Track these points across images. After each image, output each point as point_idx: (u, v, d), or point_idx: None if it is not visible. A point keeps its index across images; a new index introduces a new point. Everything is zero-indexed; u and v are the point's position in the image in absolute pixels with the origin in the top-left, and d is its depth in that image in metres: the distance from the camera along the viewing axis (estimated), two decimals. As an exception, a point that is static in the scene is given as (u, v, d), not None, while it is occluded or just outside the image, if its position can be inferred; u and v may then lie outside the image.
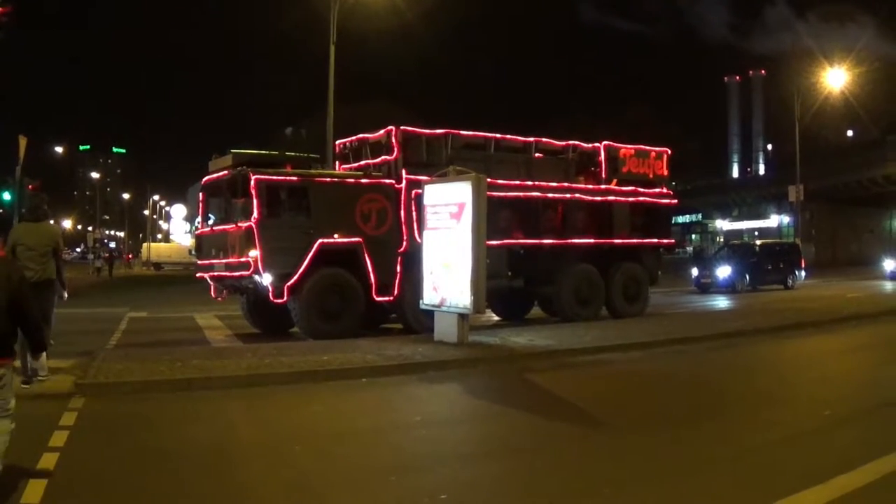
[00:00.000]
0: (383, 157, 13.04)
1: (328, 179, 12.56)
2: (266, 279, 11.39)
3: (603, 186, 14.78)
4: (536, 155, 14.30)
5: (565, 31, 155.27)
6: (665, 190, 15.88)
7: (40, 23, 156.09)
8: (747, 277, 25.01)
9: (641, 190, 15.21)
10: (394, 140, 12.75)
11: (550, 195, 13.93)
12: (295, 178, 11.99)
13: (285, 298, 11.56)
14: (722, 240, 63.52)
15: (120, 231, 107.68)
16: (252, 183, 11.39)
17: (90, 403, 7.04)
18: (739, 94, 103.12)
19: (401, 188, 12.49)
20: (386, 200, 12.45)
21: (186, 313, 17.08)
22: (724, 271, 24.85)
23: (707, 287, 24.85)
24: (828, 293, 22.50)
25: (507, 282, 13.42)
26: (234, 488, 4.73)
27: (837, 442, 5.74)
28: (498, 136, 13.78)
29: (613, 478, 4.88)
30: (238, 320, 14.10)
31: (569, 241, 14.14)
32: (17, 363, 5.54)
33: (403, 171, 12.53)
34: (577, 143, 14.93)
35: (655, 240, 15.56)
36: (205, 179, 13.16)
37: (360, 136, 13.89)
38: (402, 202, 12.46)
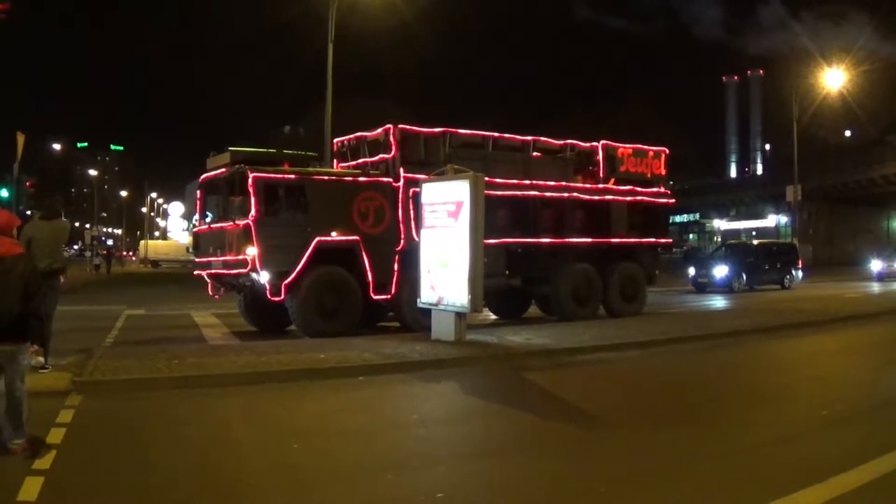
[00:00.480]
0: (381, 156, 13.05)
1: (326, 177, 12.54)
2: (263, 277, 11.38)
3: (601, 186, 14.78)
4: (534, 154, 14.30)
5: (564, 30, 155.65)
6: (663, 189, 15.92)
7: (40, 21, 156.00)
8: (744, 277, 25.04)
9: (639, 189, 15.22)
10: (392, 138, 12.75)
11: (548, 194, 13.93)
12: (293, 176, 11.98)
13: (282, 296, 11.54)
14: (719, 239, 63.60)
15: (118, 228, 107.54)
16: (250, 181, 11.38)
17: (87, 401, 7.04)
18: (738, 94, 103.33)
19: (398, 186, 12.49)
20: (384, 199, 12.45)
21: (184, 311, 17.10)
22: (721, 271, 24.87)
23: (704, 287, 24.86)
24: (825, 293, 22.51)
25: (504, 281, 13.42)
26: (231, 486, 4.72)
27: (834, 441, 5.74)
28: (496, 134, 13.79)
29: (610, 476, 4.88)
30: (235, 318, 14.08)
31: (566, 240, 14.14)
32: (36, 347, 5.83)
33: (401, 170, 12.53)
34: (575, 142, 14.94)
35: (653, 239, 15.58)
36: (202, 177, 13.16)
37: (358, 134, 13.88)
38: (400, 201, 12.45)
